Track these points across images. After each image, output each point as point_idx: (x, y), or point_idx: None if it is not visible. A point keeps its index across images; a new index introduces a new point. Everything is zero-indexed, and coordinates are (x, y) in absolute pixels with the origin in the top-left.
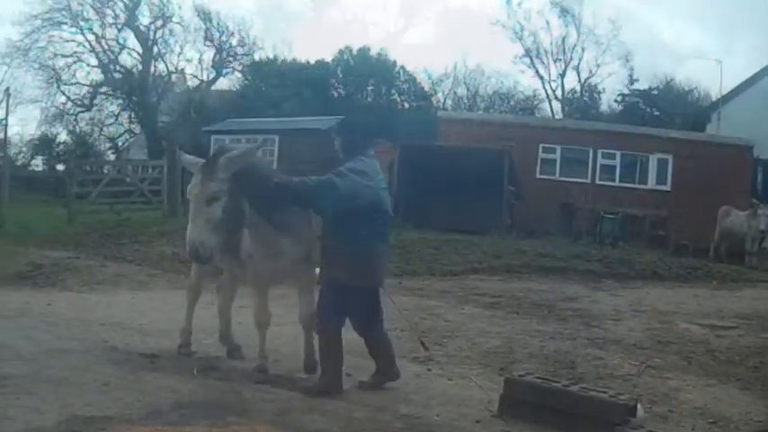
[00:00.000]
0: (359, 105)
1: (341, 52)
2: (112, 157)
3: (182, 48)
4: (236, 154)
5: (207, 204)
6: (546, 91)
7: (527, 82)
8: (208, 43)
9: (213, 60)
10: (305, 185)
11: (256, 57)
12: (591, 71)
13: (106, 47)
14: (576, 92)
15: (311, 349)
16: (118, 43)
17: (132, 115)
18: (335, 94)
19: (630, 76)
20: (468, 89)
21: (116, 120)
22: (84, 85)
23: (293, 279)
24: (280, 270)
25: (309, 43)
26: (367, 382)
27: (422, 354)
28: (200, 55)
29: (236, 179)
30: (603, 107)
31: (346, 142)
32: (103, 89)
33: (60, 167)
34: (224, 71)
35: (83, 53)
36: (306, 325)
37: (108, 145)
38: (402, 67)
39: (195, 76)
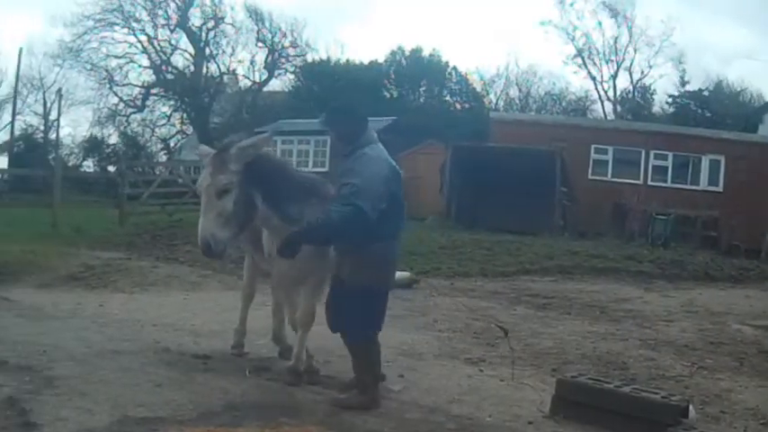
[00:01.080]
0: (411, 106)
1: (393, 53)
2: (164, 158)
3: (234, 49)
4: (247, 144)
5: (217, 197)
6: (598, 92)
7: (579, 83)
8: (260, 44)
9: (265, 61)
10: (330, 224)
11: (309, 58)
12: (643, 72)
13: (158, 48)
14: (628, 93)
15: (302, 351)
16: (170, 44)
17: (184, 116)
18: (388, 95)
19: (682, 77)
20: (520, 90)
21: (168, 121)
22: (136, 86)
23: (310, 277)
24: (297, 268)
25: (362, 44)
26: (342, 399)
27: (474, 354)
28: (253, 56)
29: (247, 170)
30: (655, 108)
31: (347, 131)
32: (155, 90)
33: (112, 168)
34: (276, 72)
35: (135, 54)
36: (302, 324)
37: (160, 146)
38: (454, 68)
39: (247, 78)
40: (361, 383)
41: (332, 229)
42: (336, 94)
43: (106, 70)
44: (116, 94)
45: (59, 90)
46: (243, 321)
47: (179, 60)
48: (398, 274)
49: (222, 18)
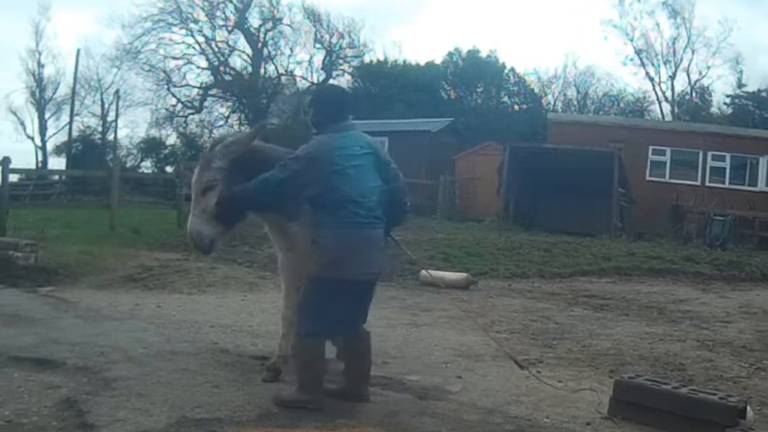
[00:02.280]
0: (468, 107)
1: (450, 54)
2: None
3: (291, 50)
4: (231, 141)
5: (202, 194)
6: (656, 93)
7: (637, 84)
8: (317, 45)
9: (323, 62)
10: (247, 189)
11: (366, 59)
12: (701, 73)
13: (216, 49)
14: (685, 94)
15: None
16: (228, 45)
17: (242, 117)
18: (445, 97)
19: (739, 78)
20: (578, 91)
21: (226, 122)
22: (193, 87)
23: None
24: (296, 261)
25: (419, 45)
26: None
27: (531, 355)
28: (310, 57)
29: (235, 167)
30: (713, 109)
31: (314, 116)
32: (213, 91)
33: (169, 169)
34: (334, 73)
35: (193, 55)
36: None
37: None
38: (512, 69)
39: (305, 78)
40: (299, 380)
41: (248, 194)
42: (394, 94)
43: (164, 71)
44: (174, 96)
45: (117, 91)
46: None
47: (237, 61)
48: (456, 275)
49: (280, 19)
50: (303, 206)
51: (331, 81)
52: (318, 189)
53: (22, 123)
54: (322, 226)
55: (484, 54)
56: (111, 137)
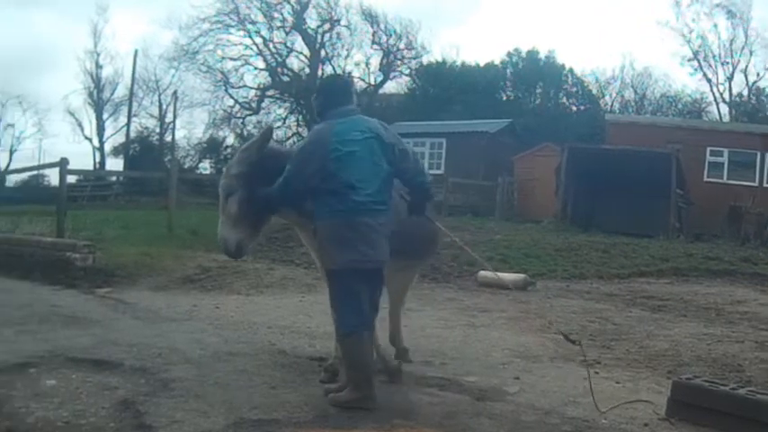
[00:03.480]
0: (527, 108)
1: (509, 55)
2: None
3: (349, 51)
4: (244, 147)
5: (225, 200)
6: (713, 94)
7: (694, 85)
8: (375, 46)
9: (381, 64)
10: (268, 192)
11: (424, 60)
12: (758, 75)
13: (274, 50)
14: (743, 95)
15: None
16: (285, 46)
17: (300, 118)
18: (504, 98)
19: None
20: (635, 92)
21: (283, 123)
22: (251, 88)
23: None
24: (316, 257)
25: (477, 46)
26: (338, 396)
27: (589, 356)
28: (368, 58)
29: (255, 170)
30: None
31: (317, 106)
32: (271, 92)
33: None
34: (391, 74)
35: (250, 56)
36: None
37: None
38: (570, 70)
39: (363, 80)
40: (351, 380)
41: (271, 192)
42: (452, 96)
43: (222, 72)
44: (231, 97)
45: (175, 92)
46: None
47: (294, 62)
48: (514, 276)
49: (338, 20)
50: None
51: (389, 83)
52: (319, 177)
53: (80, 124)
54: (318, 214)
55: (543, 55)
56: (168, 138)
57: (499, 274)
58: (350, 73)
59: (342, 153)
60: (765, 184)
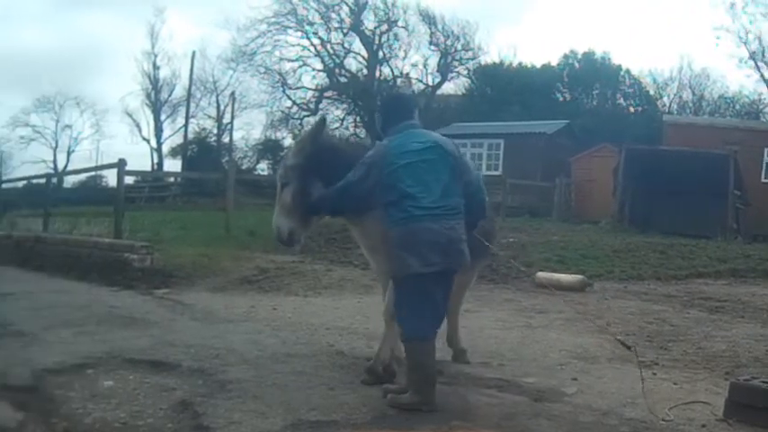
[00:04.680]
0: (584, 109)
1: (566, 56)
2: None
3: (406, 52)
4: (299, 139)
5: (281, 191)
6: None
7: (752, 86)
8: (433, 47)
9: (438, 65)
10: (325, 197)
11: (481, 61)
12: None
13: (331, 51)
14: None
15: (386, 349)
16: (343, 47)
17: (357, 119)
18: (561, 98)
19: None
20: (693, 93)
21: (341, 124)
22: (309, 89)
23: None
24: (373, 258)
25: (534, 47)
26: (398, 398)
27: (646, 357)
28: (426, 59)
29: (308, 162)
30: None
31: (379, 125)
32: (328, 93)
33: None
34: (449, 75)
35: (308, 57)
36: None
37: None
38: (627, 71)
39: (420, 81)
40: (412, 382)
41: (328, 198)
42: (509, 97)
43: (279, 73)
44: (289, 98)
45: (233, 93)
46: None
47: (352, 63)
48: (571, 278)
49: (395, 21)
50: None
51: (446, 84)
52: (380, 190)
53: (138, 125)
54: (386, 224)
55: (599, 56)
56: (226, 139)
57: (556, 275)
58: (407, 74)
59: (398, 166)
60: None
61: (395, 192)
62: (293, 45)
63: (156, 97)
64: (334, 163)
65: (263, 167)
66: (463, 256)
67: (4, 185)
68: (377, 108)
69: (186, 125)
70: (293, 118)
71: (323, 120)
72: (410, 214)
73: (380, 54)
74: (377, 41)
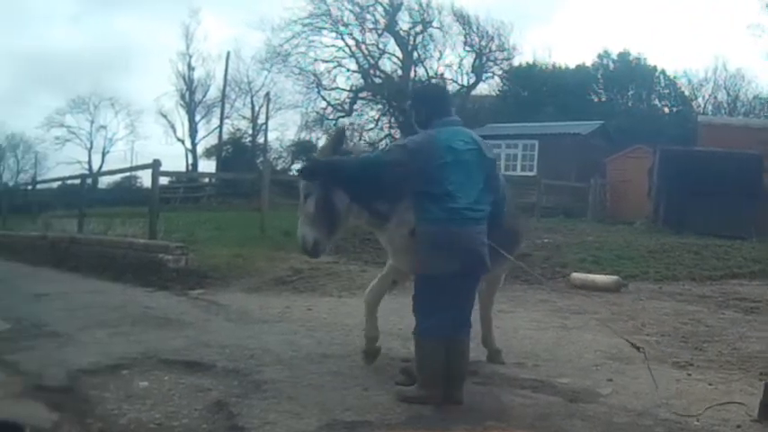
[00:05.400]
0: (619, 110)
1: (600, 57)
2: None
3: (441, 53)
4: (319, 149)
5: (304, 201)
6: None
7: None
8: (467, 48)
9: (473, 65)
10: (345, 161)
11: (516, 61)
12: None
13: (366, 52)
14: None
15: None
16: (378, 48)
17: (392, 120)
18: (596, 99)
19: None
20: (728, 94)
21: (376, 125)
22: (344, 89)
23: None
24: (397, 260)
25: (568, 48)
26: (404, 390)
27: (681, 358)
28: (460, 60)
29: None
30: None
31: (417, 115)
32: (363, 94)
33: None
34: (484, 76)
35: (343, 58)
36: None
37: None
38: (662, 72)
39: (455, 81)
40: (419, 377)
41: (348, 163)
42: (544, 97)
43: (314, 74)
44: (324, 99)
45: (267, 94)
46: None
47: (387, 64)
48: (606, 278)
49: (430, 22)
50: (396, 206)
51: (481, 84)
52: (419, 181)
53: (173, 126)
54: (420, 220)
55: (634, 57)
56: (261, 139)
57: (591, 276)
58: (442, 74)
59: (446, 161)
60: None
61: (438, 187)
62: (328, 46)
63: (190, 98)
64: (359, 174)
65: (297, 168)
66: (485, 262)
67: (38, 186)
68: (414, 98)
69: (221, 126)
70: (328, 119)
71: (341, 130)
72: (447, 214)
73: (415, 55)
74: (411, 42)
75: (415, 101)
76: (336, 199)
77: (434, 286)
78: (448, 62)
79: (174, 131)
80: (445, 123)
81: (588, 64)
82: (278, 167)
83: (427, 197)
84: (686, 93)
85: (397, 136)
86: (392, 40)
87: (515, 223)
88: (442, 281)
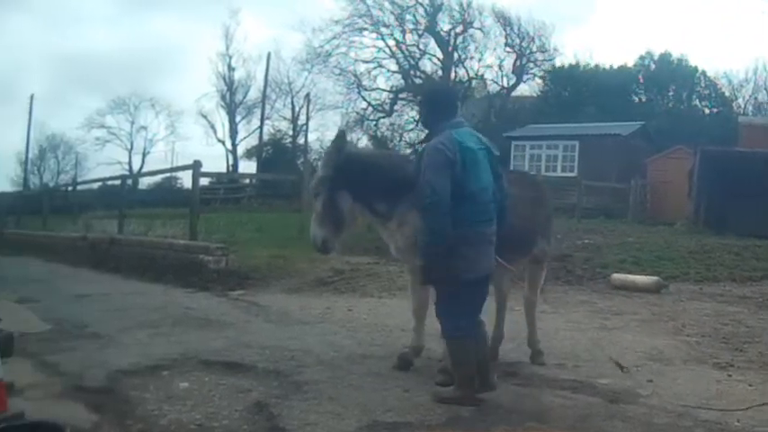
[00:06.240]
0: (659, 111)
1: (642, 58)
2: None
3: (482, 53)
4: (325, 152)
5: (314, 200)
6: None
7: None
8: (508, 49)
9: (513, 66)
10: (434, 231)
11: (557, 63)
12: None
13: (407, 52)
14: None
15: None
16: (418, 49)
17: None
18: (636, 100)
19: None
20: None
21: (416, 125)
22: (384, 90)
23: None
24: (398, 252)
25: (608, 48)
26: (441, 392)
27: (721, 359)
28: (501, 60)
29: (338, 172)
30: None
31: (423, 119)
32: (404, 95)
33: None
34: (524, 77)
35: (383, 59)
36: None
37: (408, 150)
38: (703, 72)
39: (495, 82)
40: (456, 378)
41: (432, 236)
42: (585, 98)
43: (354, 75)
44: (364, 99)
45: (308, 95)
46: (499, 326)
47: (427, 65)
48: (646, 279)
49: (471, 23)
50: (397, 206)
51: (521, 85)
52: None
53: (213, 127)
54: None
55: (675, 57)
56: (301, 140)
57: (631, 277)
58: (482, 75)
59: (467, 161)
60: None
61: (460, 189)
62: (368, 46)
63: (230, 99)
64: (363, 173)
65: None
66: (492, 263)
67: (79, 187)
68: (424, 99)
69: (261, 127)
70: (368, 119)
71: (342, 133)
72: (470, 216)
73: (455, 55)
74: (452, 43)
75: (425, 102)
76: (341, 199)
77: (457, 288)
78: (488, 63)
79: (215, 132)
80: (453, 125)
81: (629, 65)
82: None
83: (455, 200)
84: (726, 93)
85: None
86: (432, 41)
87: (528, 223)
88: (464, 282)
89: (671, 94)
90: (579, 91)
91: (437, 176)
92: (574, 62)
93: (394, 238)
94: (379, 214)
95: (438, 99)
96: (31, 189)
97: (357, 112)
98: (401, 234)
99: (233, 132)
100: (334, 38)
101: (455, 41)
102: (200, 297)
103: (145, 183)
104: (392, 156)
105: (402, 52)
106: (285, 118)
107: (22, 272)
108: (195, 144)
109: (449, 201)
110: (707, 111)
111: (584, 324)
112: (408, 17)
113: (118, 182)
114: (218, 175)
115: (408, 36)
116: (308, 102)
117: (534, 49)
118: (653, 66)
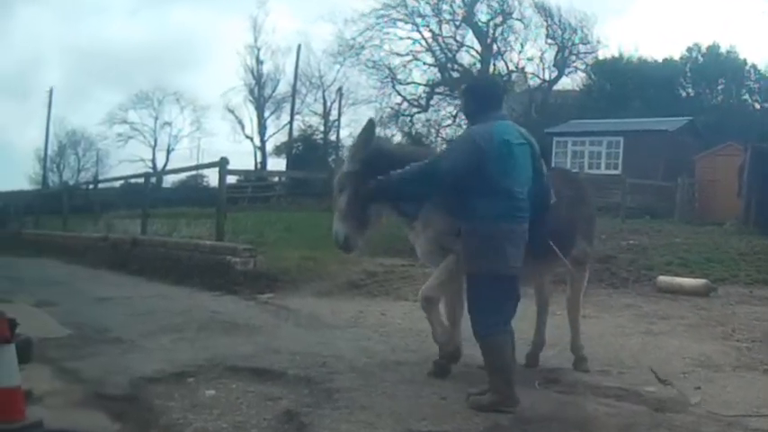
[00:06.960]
0: (707, 106)
1: (689, 50)
2: None
3: (522, 45)
4: (352, 144)
5: (338, 196)
6: None
7: None
8: (549, 41)
9: (555, 59)
10: (396, 179)
11: (600, 55)
12: None
13: (443, 45)
14: None
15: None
16: (455, 41)
17: None
18: (684, 94)
19: None
20: None
21: (453, 121)
22: (420, 84)
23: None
24: (423, 255)
25: (657, 41)
26: (479, 399)
27: None
28: (542, 53)
29: (364, 168)
30: None
31: (465, 111)
32: (440, 89)
33: None
34: (566, 70)
35: (419, 51)
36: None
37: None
38: (753, 66)
39: (536, 76)
40: (491, 382)
41: (402, 182)
42: (629, 92)
43: (389, 68)
44: (399, 93)
45: (340, 89)
46: (540, 332)
47: (465, 57)
48: (694, 282)
49: (510, 13)
50: (423, 206)
51: (564, 78)
52: (476, 178)
53: (241, 122)
54: (472, 217)
55: (724, 50)
56: (333, 136)
57: (678, 279)
58: (523, 68)
59: (502, 154)
60: None
61: (495, 183)
62: (403, 38)
63: (259, 93)
64: (391, 168)
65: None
66: (522, 260)
67: (100, 185)
68: (467, 91)
69: (291, 122)
70: (403, 114)
71: (371, 123)
72: (506, 212)
73: (494, 48)
74: (491, 34)
75: (467, 93)
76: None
77: (489, 286)
78: (529, 55)
79: (243, 128)
80: (496, 118)
81: (676, 57)
82: None
83: (483, 194)
84: None
85: None
86: (470, 33)
87: (567, 222)
88: (496, 280)
89: (720, 88)
90: (624, 85)
91: (452, 157)
92: (617, 55)
93: (418, 239)
94: (404, 214)
95: (483, 91)
96: (51, 187)
97: (391, 108)
98: (425, 236)
99: (261, 128)
100: (366, 29)
101: (494, 33)
102: (226, 300)
103: (169, 181)
104: (423, 152)
105: (438, 44)
106: (316, 113)
107: (41, 274)
108: (222, 140)
109: (445, 182)
110: (757, 105)
111: (628, 329)
112: (445, 7)
113: (141, 180)
114: (246, 172)
115: (445, 27)
116: (341, 96)
117: (576, 40)
118: (700, 58)
